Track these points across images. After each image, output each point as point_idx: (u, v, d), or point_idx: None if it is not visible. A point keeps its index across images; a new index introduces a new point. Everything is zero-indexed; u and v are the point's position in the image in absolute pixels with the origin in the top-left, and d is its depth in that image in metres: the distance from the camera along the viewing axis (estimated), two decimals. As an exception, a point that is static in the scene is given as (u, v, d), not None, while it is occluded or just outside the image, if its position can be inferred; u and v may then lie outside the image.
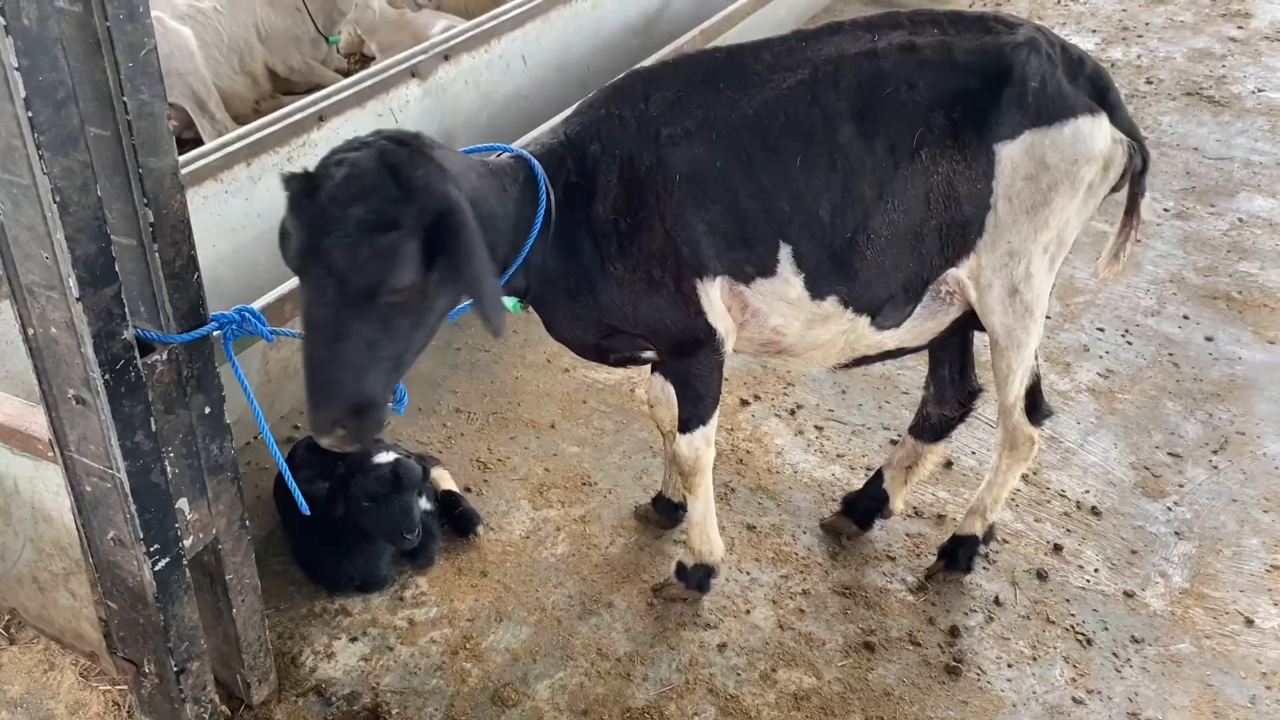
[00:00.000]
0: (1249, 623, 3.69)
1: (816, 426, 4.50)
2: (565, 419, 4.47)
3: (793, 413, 4.56)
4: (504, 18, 5.28)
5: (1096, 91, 3.12)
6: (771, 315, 3.14)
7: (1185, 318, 5.28)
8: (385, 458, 3.47)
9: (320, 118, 4.27)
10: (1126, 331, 5.16)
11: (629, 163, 2.99)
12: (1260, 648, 3.61)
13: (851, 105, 2.98)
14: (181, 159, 3.89)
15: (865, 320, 3.18)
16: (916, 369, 4.82)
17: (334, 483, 3.52)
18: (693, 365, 3.20)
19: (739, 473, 4.24)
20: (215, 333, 2.60)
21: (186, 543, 2.74)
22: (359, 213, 2.34)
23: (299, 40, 6.35)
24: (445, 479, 3.97)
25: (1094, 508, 4.14)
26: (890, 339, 3.28)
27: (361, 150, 2.45)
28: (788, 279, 3.05)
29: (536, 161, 2.93)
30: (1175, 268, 5.66)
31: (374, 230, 2.33)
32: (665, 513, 3.95)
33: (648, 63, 3.97)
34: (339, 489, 3.50)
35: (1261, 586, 3.84)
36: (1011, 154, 3.01)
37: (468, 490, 4.06)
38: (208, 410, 2.66)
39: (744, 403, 4.60)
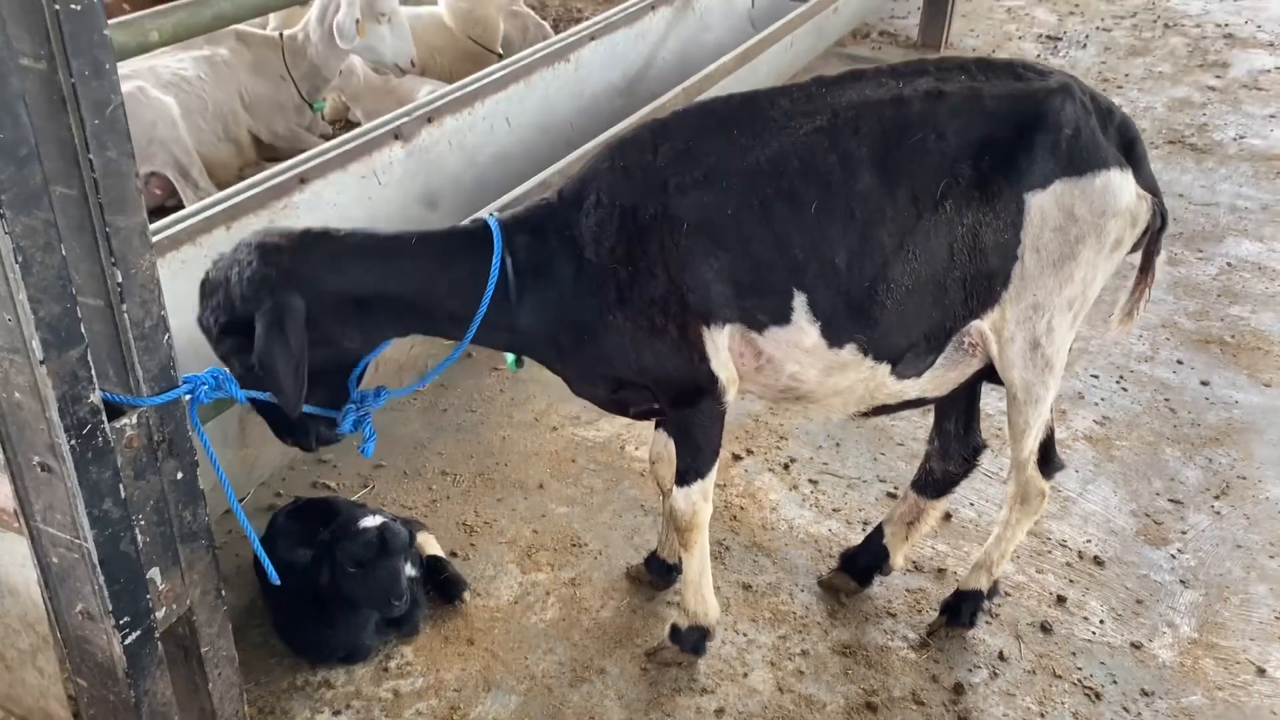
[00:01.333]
0: (1261, 672, 3.59)
1: (811, 480, 4.41)
2: (554, 478, 4.38)
3: (786, 466, 4.48)
4: (487, 80, 5.28)
5: (1124, 143, 3.07)
6: (787, 363, 3.07)
7: (1179, 363, 5.23)
8: (371, 522, 3.37)
9: (302, 180, 4.23)
10: (1121, 378, 5.11)
11: (631, 213, 2.95)
12: (1274, 698, 3.49)
13: (873, 152, 2.92)
14: (159, 223, 3.86)
15: (885, 369, 3.11)
16: (910, 419, 4.76)
17: (317, 549, 3.42)
18: (694, 415, 3.14)
19: (733, 530, 4.14)
20: (186, 396, 2.52)
21: (159, 614, 2.63)
22: (201, 314, 2.90)
23: (283, 107, 6.35)
24: (431, 544, 3.87)
25: (1096, 557, 4.05)
26: (911, 388, 3.21)
27: (225, 256, 2.87)
28: (802, 327, 2.99)
29: (501, 226, 3.00)
30: (1166, 313, 5.63)
31: (207, 331, 2.90)
32: (659, 573, 3.84)
33: (636, 118, 3.95)
34: (323, 556, 3.40)
35: (1271, 634, 3.73)
36: (1041, 204, 2.94)
37: (454, 555, 3.96)
38: (179, 476, 2.57)
39: (736, 457, 4.52)
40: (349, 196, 4.44)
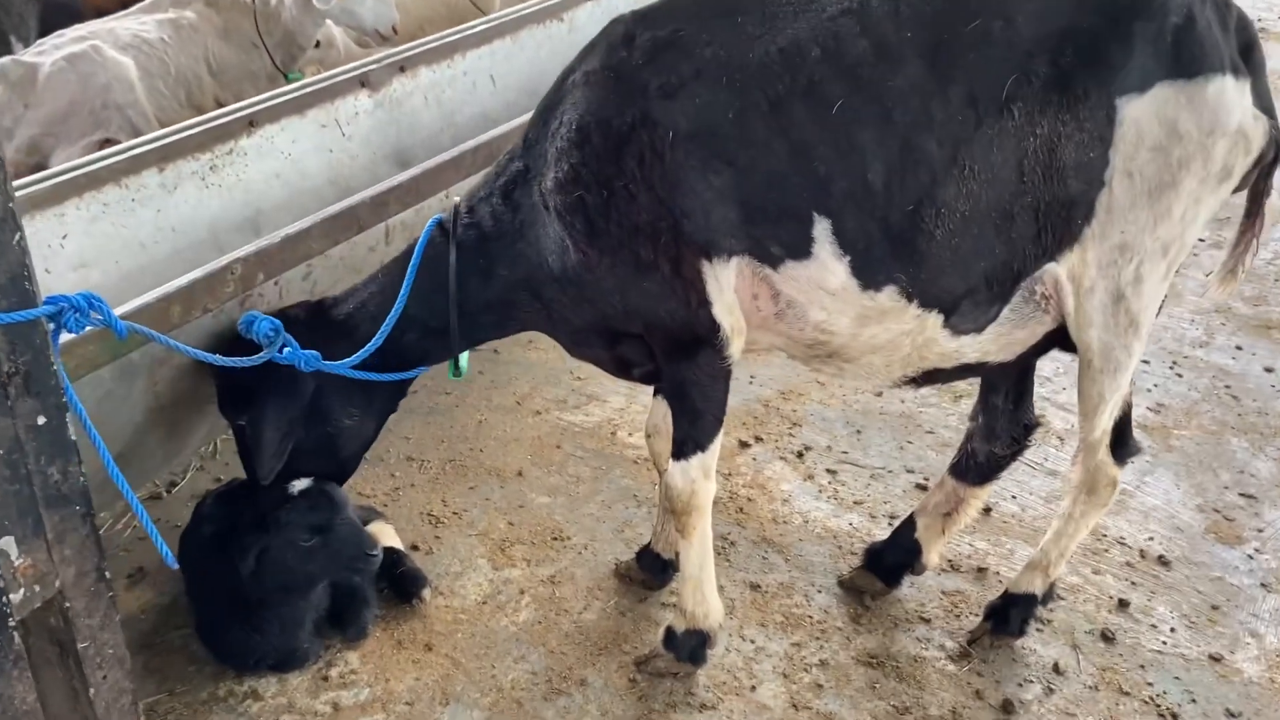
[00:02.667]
0: (1368, 691, 3.02)
1: (829, 470, 3.86)
2: (535, 466, 3.84)
3: (800, 455, 3.93)
4: (469, 32, 4.79)
5: (1243, 45, 2.46)
6: (811, 308, 2.53)
7: (1238, 348, 4.68)
8: (301, 482, 2.85)
9: (251, 123, 3.72)
10: (1175, 364, 4.56)
11: (601, 126, 2.45)
12: (1387, 722, 2.93)
13: (919, 40, 2.36)
14: (80, 160, 3.36)
15: (936, 320, 2.54)
16: (940, 405, 4.21)
17: (248, 531, 2.86)
18: (691, 371, 2.61)
19: (739, 523, 3.58)
20: (48, 321, 2.00)
21: (14, 597, 2.09)
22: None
23: (254, 75, 5.87)
24: (388, 534, 3.32)
25: (1161, 557, 3.48)
26: (970, 348, 2.62)
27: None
28: (826, 262, 2.45)
29: (454, 211, 2.77)
30: (1222, 297, 5.08)
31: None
32: (652, 570, 3.29)
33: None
34: (259, 535, 2.84)
35: (1375, 647, 3.17)
36: (1138, 114, 2.36)
37: (415, 549, 3.41)
38: (41, 420, 2.04)
39: (744, 445, 3.97)
40: (306, 146, 3.92)
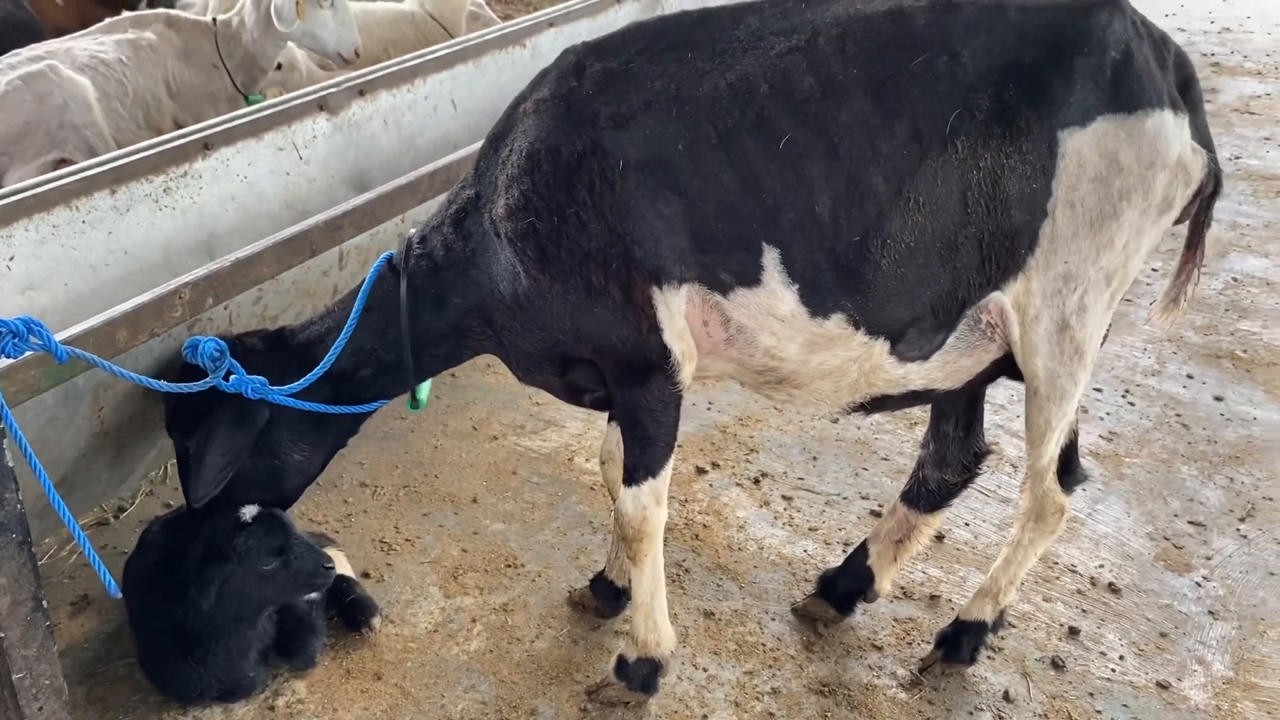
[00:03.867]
0: (1312, 718, 3.05)
1: (784, 497, 3.86)
2: (490, 492, 3.82)
3: (756, 481, 3.93)
4: (430, 57, 4.80)
5: (1181, 81, 2.52)
6: (761, 334, 2.55)
7: (1189, 377, 4.75)
8: (250, 509, 2.81)
9: (206, 145, 3.70)
10: (1127, 392, 4.62)
11: (551, 153, 2.46)
12: (1330, 748, 2.96)
13: (865, 76, 2.40)
14: (30, 180, 3.32)
15: (883, 347, 2.57)
16: (895, 431, 4.23)
17: (207, 563, 2.80)
18: (643, 396, 2.61)
19: (694, 550, 3.58)
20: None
21: (-56, 628, 2.05)
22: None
23: (214, 97, 5.84)
24: (340, 562, 3.28)
25: (1111, 584, 3.51)
26: (916, 375, 2.65)
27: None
28: (775, 290, 2.47)
29: (407, 243, 2.78)
30: (1172, 327, 5.15)
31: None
32: (605, 598, 3.28)
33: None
34: (219, 566, 2.79)
35: (1320, 674, 3.21)
36: (1079, 146, 2.41)
37: (365, 576, 3.38)
38: (-24, 447, 2.01)
39: (700, 471, 3.97)
40: (263, 169, 3.90)
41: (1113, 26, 2.40)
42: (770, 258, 2.45)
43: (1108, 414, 4.45)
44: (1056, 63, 2.39)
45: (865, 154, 2.39)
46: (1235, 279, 5.71)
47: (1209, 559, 3.66)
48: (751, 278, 2.47)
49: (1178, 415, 4.47)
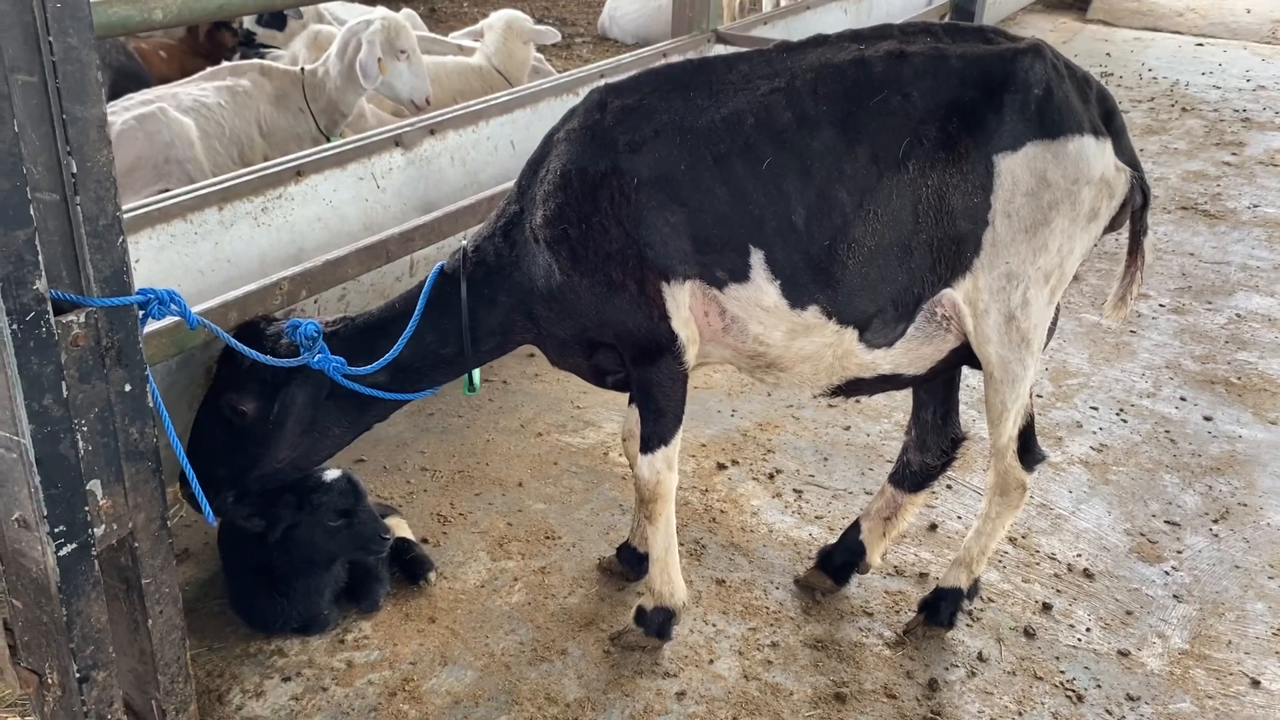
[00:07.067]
0: (1255, 684, 3.41)
1: (795, 490, 4.32)
2: (534, 478, 4.33)
3: (771, 477, 4.40)
4: (492, 103, 5.40)
5: (1103, 113, 3.03)
6: (750, 323, 3.05)
7: (1182, 399, 5.12)
8: (333, 472, 3.34)
9: (298, 173, 4.31)
10: (1121, 411, 5.00)
11: (580, 173, 2.99)
12: (1268, 709, 3.32)
13: (833, 111, 2.92)
14: (153, 198, 3.94)
15: (852, 334, 3.05)
16: (901, 439, 4.66)
17: (283, 511, 3.34)
18: (655, 374, 3.11)
19: (711, 530, 4.04)
20: (139, 307, 2.53)
21: (97, 531, 2.59)
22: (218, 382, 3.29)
23: (300, 138, 6.51)
24: (401, 527, 3.81)
25: (1086, 570, 3.90)
26: (883, 360, 3.12)
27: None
28: (761, 285, 2.97)
29: (462, 254, 3.25)
30: (1172, 355, 5.54)
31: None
32: (630, 563, 3.75)
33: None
34: (287, 517, 3.33)
35: (1268, 649, 3.56)
36: (1012, 166, 2.90)
37: (425, 541, 3.89)
38: (128, 388, 2.56)
39: (721, 466, 4.45)
40: (345, 195, 4.50)
41: (1034, 69, 2.90)
42: (757, 258, 2.95)
43: (1100, 429, 4.84)
44: (989, 100, 2.89)
45: (833, 174, 2.90)
46: (1239, 315, 6.06)
47: (1180, 552, 4.03)
48: (742, 275, 2.97)
49: (1167, 432, 4.84)
